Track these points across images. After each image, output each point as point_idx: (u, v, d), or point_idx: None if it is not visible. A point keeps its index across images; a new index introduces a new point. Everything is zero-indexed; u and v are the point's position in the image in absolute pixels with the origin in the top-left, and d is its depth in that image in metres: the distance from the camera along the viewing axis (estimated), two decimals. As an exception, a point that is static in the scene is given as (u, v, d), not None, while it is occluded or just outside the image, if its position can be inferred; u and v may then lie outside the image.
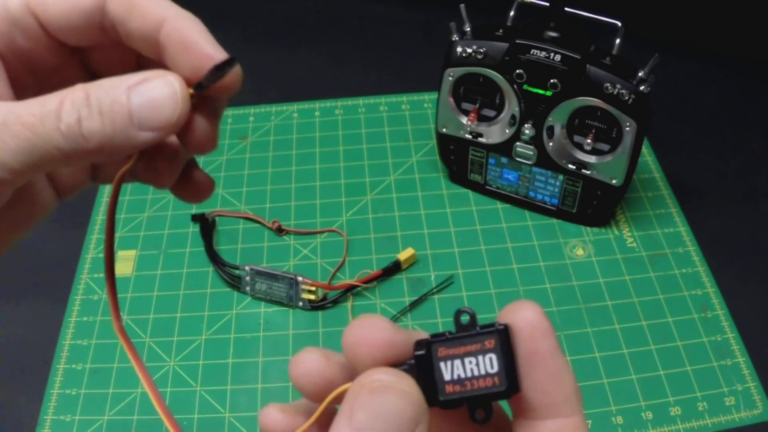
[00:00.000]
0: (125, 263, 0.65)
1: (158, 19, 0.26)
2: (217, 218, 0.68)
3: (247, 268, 0.60)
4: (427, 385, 0.22)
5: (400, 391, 0.21)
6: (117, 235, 0.67)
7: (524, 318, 0.22)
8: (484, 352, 0.22)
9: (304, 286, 0.60)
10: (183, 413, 0.54)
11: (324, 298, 0.61)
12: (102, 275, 0.64)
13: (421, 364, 0.22)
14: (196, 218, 0.67)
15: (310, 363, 0.23)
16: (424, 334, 0.23)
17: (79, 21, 0.26)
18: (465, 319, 0.22)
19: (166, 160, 0.27)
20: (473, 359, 0.22)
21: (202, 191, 0.30)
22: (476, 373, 0.22)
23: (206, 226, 0.66)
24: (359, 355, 0.22)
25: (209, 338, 0.59)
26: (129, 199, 0.70)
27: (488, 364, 0.22)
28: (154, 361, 0.58)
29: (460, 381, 0.22)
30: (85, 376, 0.57)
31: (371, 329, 0.22)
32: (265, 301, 0.61)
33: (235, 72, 0.26)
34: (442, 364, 0.22)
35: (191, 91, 0.25)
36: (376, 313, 0.23)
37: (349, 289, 0.61)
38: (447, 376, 0.22)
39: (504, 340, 0.22)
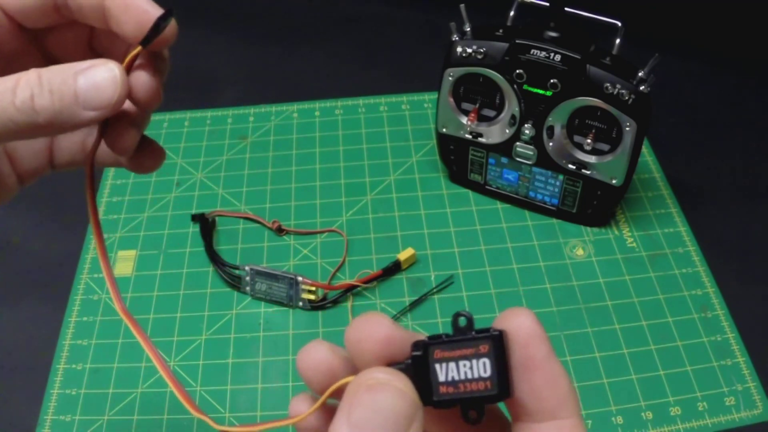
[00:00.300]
0: (125, 263, 0.65)
1: None
2: (217, 218, 0.68)
3: (247, 268, 0.60)
4: (423, 384, 0.22)
5: (395, 389, 0.22)
6: (117, 235, 0.67)
7: (520, 324, 0.23)
8: (478, 356, 0.22)
9: (304, 286, 0.60)
10: (183, 413, 0.54)
11: (324, 298, 0.61)
12: (102, 275, 0.64)
13: (417, 365, 0.23)
14: (196, 218, 0.67)
15: (318, 354, 0.24)
16: (422, 336, 0.23)
17: (37, 1, 0.30)
18: (462, 321, 0.23)
19: (129, 124, 0.30)
20: (467, 363, 0.22)
21: (156, 159, 0.33)
22: (470, 376, 0.22)
23: (206, 226, 0.66)
24: (360, 350, 0.23)
25: (209, 338, 0.59)
26: (129, 199, 0.70)
27: (481, 368, 0.22)
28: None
29: (453, 383, 0.22)
30: (85, 376, 0.57)
31: (373, 325, 0.23)
32: (265, 301, 0.61)
33: (172, 24, 0.29)
34: (437, 366, 0.22)
35: (139, 47, 0.29)
36: (378, 311, 0.24)
37: (349, 289, 0.61)
38: (441, 378, 0.22)
39: (498, 345, 0.22)
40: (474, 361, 0.22)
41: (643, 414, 0.54)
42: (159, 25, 0.29)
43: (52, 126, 0.27)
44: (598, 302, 0.61)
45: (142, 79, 0.30)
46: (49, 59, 0.33)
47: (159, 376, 0.57)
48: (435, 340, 0.23)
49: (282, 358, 0.58)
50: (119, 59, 0.29)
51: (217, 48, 0.89)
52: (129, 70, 0.30)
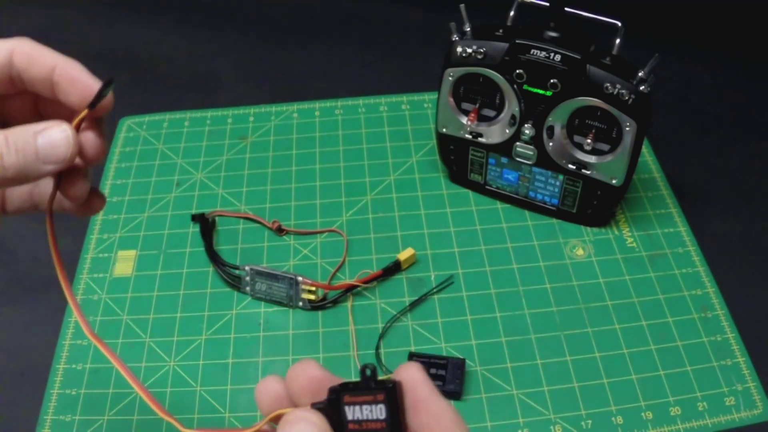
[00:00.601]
0: (125, 263, 0.65)
1: (51, 65, 0.35)
2: (217, 218, 0.68)
3: (247, 268, 0.60)
4: (337, 421, 0.29)
5: (311, 422, 0.29)
6: (117, 235, 0.67)
7: (408, 374, 0.30)
8: (376, 402, 0.29)
9: (304, 286, 0.60)
10: (183, 413, 0.54)
11: (324, 298, 0.61)
12: (102, 275, 0.64)
13: (332, 405, 0.29)
14: (196, 218, 0.67)
15: (271, 387, 0.31)
16: (339, 380, 0.30)
17: None
18: (368, 372, 0.29)
19: (79, 175, 0.36)
20: (369, 407, 0.29)
21: (101, 201, 0.39)
22: (371, 417, 0.29)
23: (206, 226, 0.66)
24: (293, 386, 0.31)
25: (209, 338, 0.59)
26: (129, 199, 0.70)
27: (379, 412, 0.29)
28: (154, 361, 0.58)
29: (359, 422, 0.29)
30: (85, 376, 0.57)
31: (303, 368, 0.31)
32: (265, 301, 0.61)
33: (110, 94, 0.35)
34: (346, 408, 0.29)
35: (86, 110, 0.34)
36: (310, 359, 0.32)
37: (349, 289, 0.61)
38: (350, 417, 0.29)
39: (391, 395, 0.29)
40: (374, 406, 0.29)
41: (643, 414, 0.54)
42: (102, 92, 0.34)
43: (17, 179, 0.33)
44: (598, 302, 0.61)
45: (88, 138, 0.35)
46: (1, 121, 0.37)
47: (159, 376, 0.57)
48: (345, 388, 0.29)
49: (282, 358, 0.58)
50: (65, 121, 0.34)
51: (217, 48, 0.89)
52: (77, 130, 0.34)
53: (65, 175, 0.35)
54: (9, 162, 0.32)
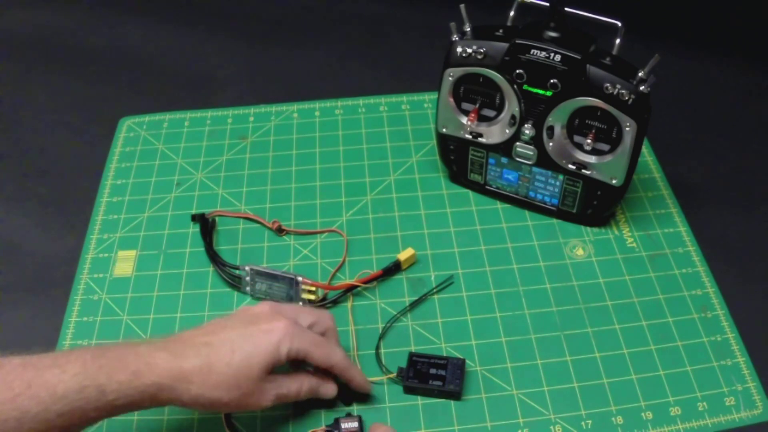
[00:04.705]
0: (125, 263, 0.65)
1: (329, 363, 0.53)
2: (217, 218, 0.68)
3: (247, 268, 0.60)
4: None
5: None
6: (117, 235, 0.67)
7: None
8: None
9: (304, 286, 0.60)
10: (183, 413, 0.54)
11: (324, 298, 0.61)
12: (102, 275, 0.64)
13: None
14: (196, 218, 0.67)
15: None
16: None
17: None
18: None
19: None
20: None
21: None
22: None
23: (206, 226, 0.66)
24: None
25: (209, 338, 0.59)
26: (129, 199, 0.70)
27: None
28: (154, 361, 0.58)
29: None
30: (85, 376, 0.57)
31: None
32: (265, 301, 0.61)
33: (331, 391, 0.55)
34: None
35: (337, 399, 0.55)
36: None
37: (349, 289, 0.61)
38: None
39: None
40: None
41: (643, 414, 0.54)
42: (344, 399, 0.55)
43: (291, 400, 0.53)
44: (598, 302, 0.61)
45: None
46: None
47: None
48: None
49: (282, 358, 0.58)
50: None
51: (217, 48, 0.89)
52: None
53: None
54: (306, 396, 0.52)
